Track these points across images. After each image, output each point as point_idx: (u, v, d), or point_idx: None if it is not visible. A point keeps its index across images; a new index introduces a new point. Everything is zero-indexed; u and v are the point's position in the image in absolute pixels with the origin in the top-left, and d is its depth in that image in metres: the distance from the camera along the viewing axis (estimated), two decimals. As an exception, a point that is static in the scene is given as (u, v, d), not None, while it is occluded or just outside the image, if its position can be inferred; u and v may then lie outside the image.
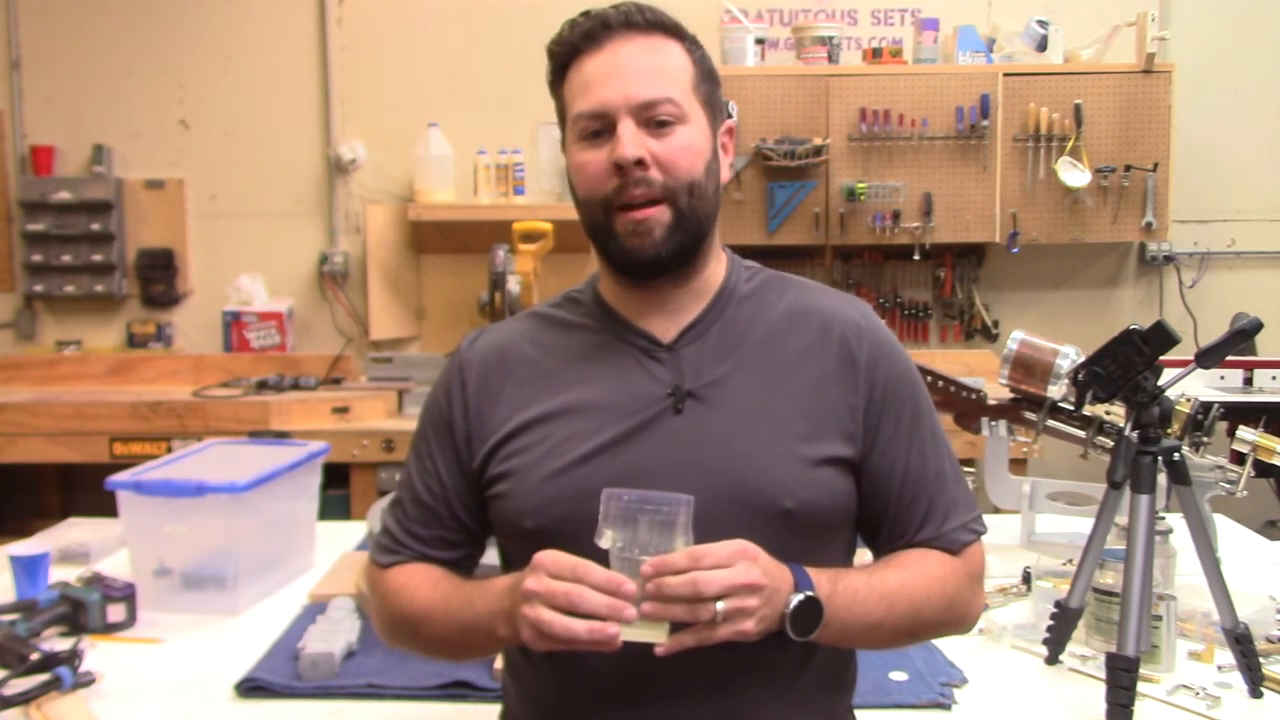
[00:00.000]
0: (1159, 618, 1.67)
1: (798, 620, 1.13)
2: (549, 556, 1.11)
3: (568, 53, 1.25)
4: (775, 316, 1.30)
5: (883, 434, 1.26)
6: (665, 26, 1.26)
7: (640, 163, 1.20)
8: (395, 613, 1.31)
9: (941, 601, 1.24)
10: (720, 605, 1.07)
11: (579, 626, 1.07)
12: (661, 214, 1.21)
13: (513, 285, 3.53)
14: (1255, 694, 1.60)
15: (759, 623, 1.10)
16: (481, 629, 1.20)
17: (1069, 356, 2.03)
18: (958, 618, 1.29)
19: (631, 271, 1.26)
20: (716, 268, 1.31)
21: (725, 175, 1.31)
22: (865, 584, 1.20)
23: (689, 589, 1.07)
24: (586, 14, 1.26)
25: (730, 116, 1.36)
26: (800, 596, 1.13)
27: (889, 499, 1.27)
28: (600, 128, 1.22)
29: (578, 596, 1.08)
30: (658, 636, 1.08)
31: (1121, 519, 1.65)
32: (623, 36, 1.23)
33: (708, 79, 1.28)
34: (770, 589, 1.11)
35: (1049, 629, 1.71)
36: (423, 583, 1.29)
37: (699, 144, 1.24)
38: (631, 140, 1.20)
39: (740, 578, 1.09)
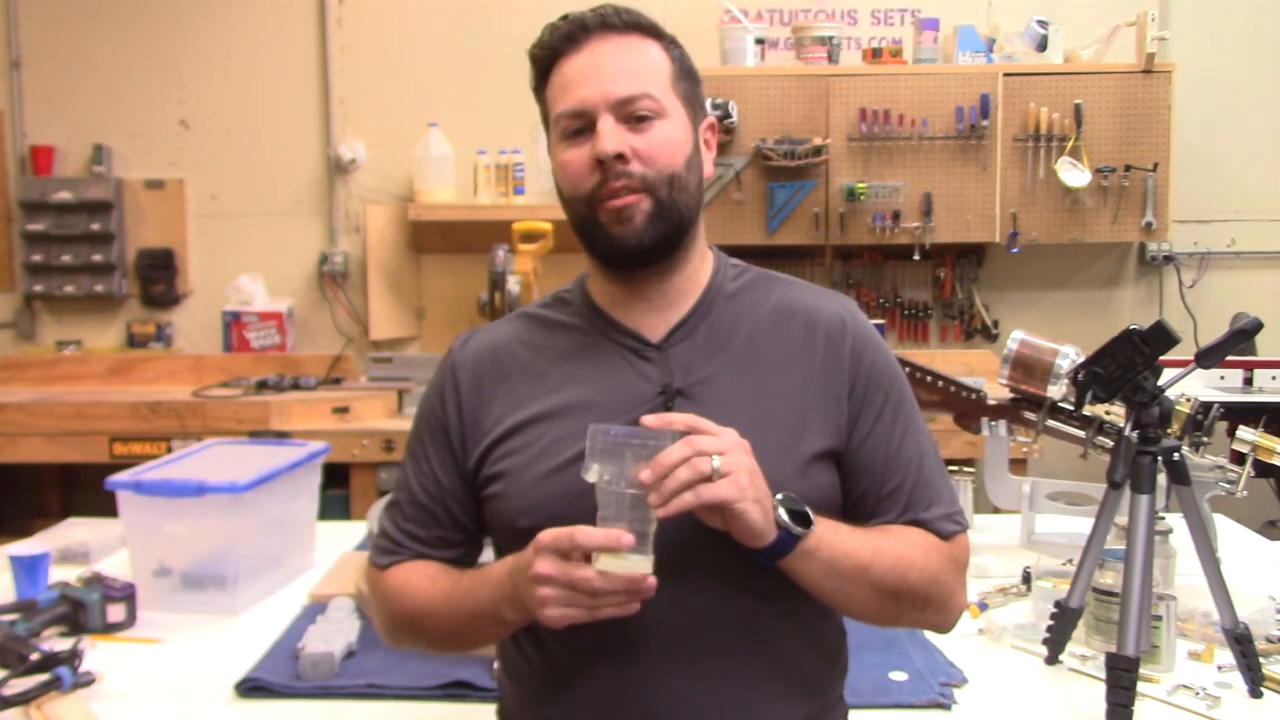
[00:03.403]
0: (1159, 618, 1.67)
1: (789, 505, 1.14)
2: (548, 534, 1.12)
3: (548, 56, 1.28)
4: (762, 314, 1.31)
5: (863, 423, 1.27)
6: (642, 27, 1.28)
7: (620, 157, 1.22)
8: (397, 611, 1.32)
9: (926, 571, 1.24)
10: (716, 462, 1.09)
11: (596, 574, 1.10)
12: (642, 202, 1.23)
13: (513, 285, 3.54)
14: (1255, 694, 1.60)
15: (756, 495, 1.11)
16: (487, 616, 1.22)
17: (1069, 356, 2.03)
18: (940, 597, 1.27)
19: (616, 261, 1.27)
20: (702, 265, 1.33)
21: (708, 170, 1.32)
22: (848, 527, 1.22)
23: (687, 447, 1.09)
24: (565, 18, 1.28)
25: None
26: (783, 494, 1.15)
27: (870, 488, 1.28)
28: (581, 126, 1.25)
29: (582, 537, 1.10)
30: (643, 567, 1.10)
31: (1121, 519, 1.65)
32: (600, 37, 1.26)
33: (686, 77, 1.30)
34: (756, 471, 1.13)
35: (1049, 629, 1.71)
36: (421, 579, 1.30)
37: (679, 138, 1.26)
38: (611, 135, 1.22)
39: (732, 439, 1.13)
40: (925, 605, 1.27)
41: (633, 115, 1.23)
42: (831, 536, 1.18)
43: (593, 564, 1.10)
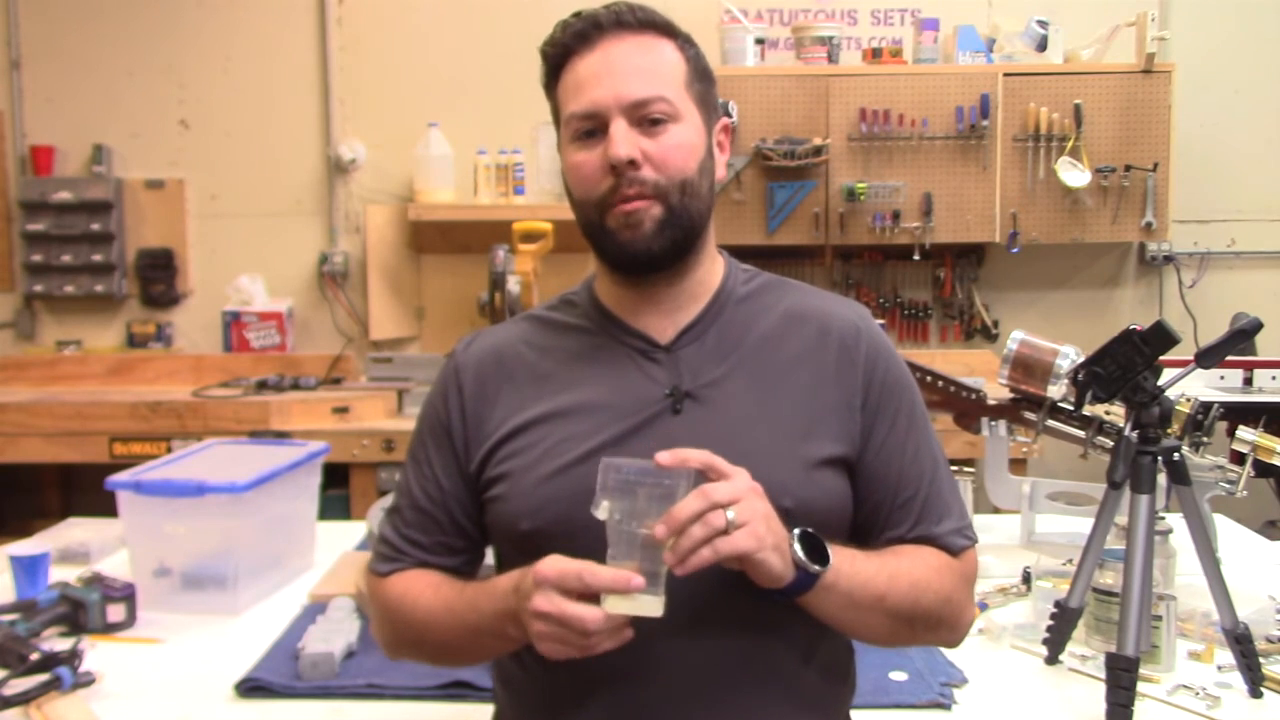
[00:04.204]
0: (1159, 618, 1.67)
1: (805, 542, 1.12)
2: (553, 569, 1.09)
3: (560, 54, 1.26)
4: (773, 319, 1.30)
5: (877, 434, 1.26)
6: (657, 25, 1.26)
7: (633, 162, 1.20)
8: (398, 621, 1.30)
9: (939, 593, 1.23)
10: (730, 514, 1.06)
11: (593, 614, 1.07)
12: (652, 207, 1.21)
13: (513, 285, 3.54)
14: (1255, 694, 1.60)
15: (774, 541, 1.08)
16: (489, 630, 1.19)
17: (1069, 356, 2.03)
18: (952, 617, 1.27)
19: (625, 266, 1.26)
20: (713, 268, 1.32)
21: (721, 173, 1.31)
22: (864, 554, 1.20)
23: (701, 500, 1.06)
24: (578, 15, 1.26)
25: (730, 116, 1.36)
26: (799, 530, 1.13)
27: (883, 499, 1.26)
28: (593, 127, 1.22)
29: (590, 576, 1.07)
30: (654, 608, 1.07)
31: (1121, 519, 1.65)
32: (614, 36, 1.24)
33: (701, 78, 1.28)
34: (772, 514, 1.10)
35: (1049, 629, 1.71)
36: (424, 589, 1.28)
37: (692, 141, 1.24)
38: (624, 140, 1.20)
39: (745, 483, 1.10)
40: (938, 626, 1.26)
41: (646, 118, 1.21)
42: (849, 568, 1.16)
43: (601, 604, 1.07)
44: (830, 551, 1.14)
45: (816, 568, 1.12)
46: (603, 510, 1.09)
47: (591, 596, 1.07)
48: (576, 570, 1.08)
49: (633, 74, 1.22)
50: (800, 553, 1.11)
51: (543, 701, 1.25)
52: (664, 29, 1.26)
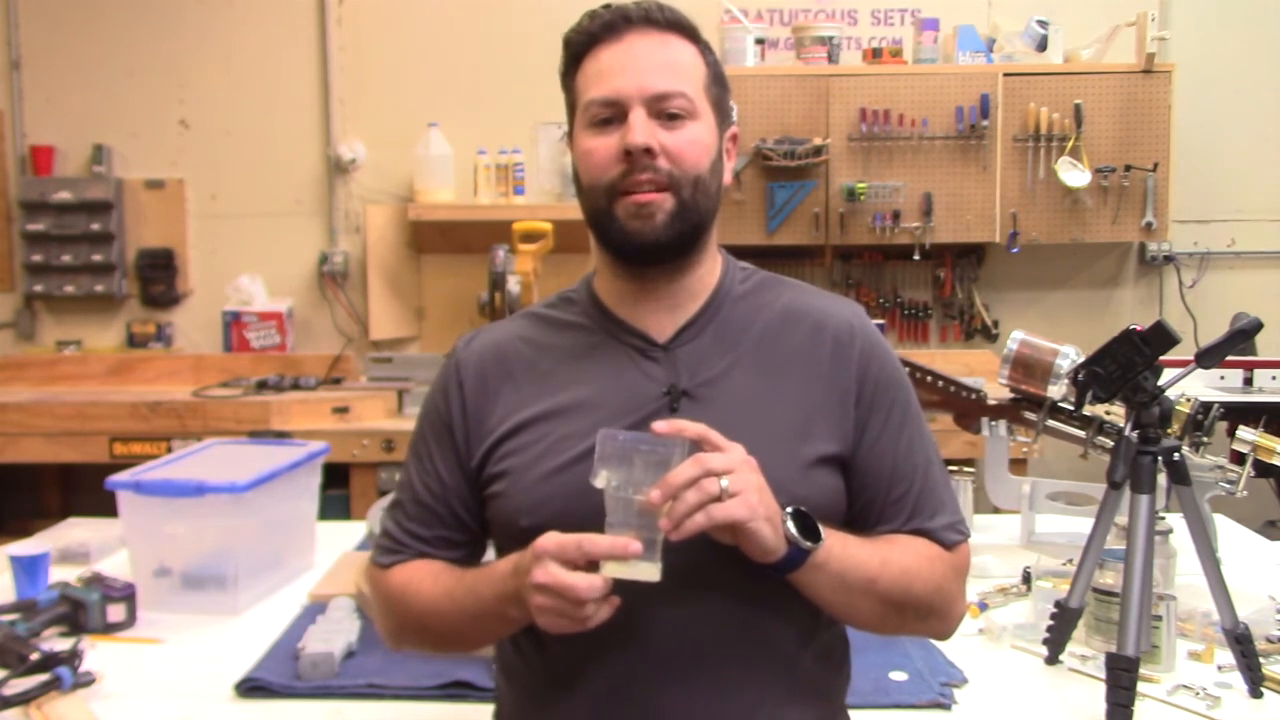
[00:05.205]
0: (1159, 618, 1.67)
1: (798, 519, 1.14)
2: (552, 541, 1.11)
3: (585, 42, 1.27)
4: (771, 316, 1.31)
5: (871, 429, 1.27)
6: (683, 27, 1.29)
7: (649, 151, 1.21)
8: (400, 611, 1.31)
9: (930, 582, 1.25)
10: (724, 482, 1.09)
11: (594, 579, 1.09)
12: (665, 200, 1.23)
13: (513, 285, 3.54)
14: (1255, 694, 1.60)
15: (766, 513, 1.10)
16: (490, 614, 1.21)
17: (1069, 356, 2.03)
18: (943, 606, 1.28)
19: (630, 256, 1.26)
20: (712, 267, 1.33)
21: (727, 179, 1.33)
22: (857, 539, 1.21)
23: (696, 466, 1.09)
24: (607, 6, 1.28)
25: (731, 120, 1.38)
26: (791, 508, 1.15)
27: (876, 495, 1.28)
28: (611, 115, 1.24)
29: (589, 544, 1.09)
30: (651, 574, 1.10)
31: (1121, 519, 1.65)
32: (641, 31, 1.26)
33: (718, 83, 1.30)
34: (765, 488, 1.12)
35: (1049, 629, 1.71)
36: (425, 578, 1.29)
37: (707, 140, 1.26)
38: (642, 128, 1.21)
39: (740, 456, 1.12)
40: (929, 615, 1.27)
41: (665, 112, 1.23)
42: (840, 549, 1.17)
43: (600, 571, 1.10)
44: (823, 531, 1.16)
45: (808, 544, 1.14)
46: (600, 479, 1.11)
47: (591, 569, 1.10)
48: (575, 540, 1.10)
49: (656, 68, 1.24)
50: (793, 529, 1.13)
51: (543, 682, 1.26)
52: (689, 32, 1.29)
